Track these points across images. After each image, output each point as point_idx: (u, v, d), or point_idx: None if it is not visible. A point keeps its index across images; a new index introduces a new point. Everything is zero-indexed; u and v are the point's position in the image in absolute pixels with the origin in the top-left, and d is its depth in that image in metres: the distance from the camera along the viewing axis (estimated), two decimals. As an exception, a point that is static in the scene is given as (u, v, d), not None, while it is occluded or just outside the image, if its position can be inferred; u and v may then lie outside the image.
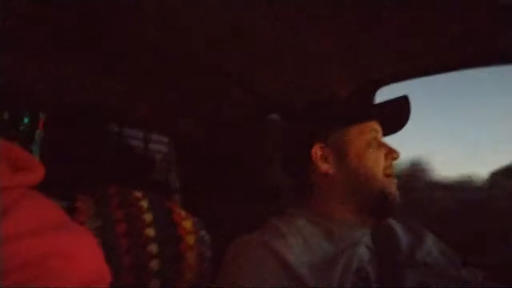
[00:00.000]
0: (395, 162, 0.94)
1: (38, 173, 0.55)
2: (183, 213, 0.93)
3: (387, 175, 0.92)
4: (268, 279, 0.76)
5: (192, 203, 1.32)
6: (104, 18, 0.83)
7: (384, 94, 1.14)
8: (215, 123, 1.42)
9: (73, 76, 1.07)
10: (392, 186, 0.91)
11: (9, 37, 0.77)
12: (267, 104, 1.24)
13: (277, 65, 1.01)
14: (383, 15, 0.82)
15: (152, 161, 1.65)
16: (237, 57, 1.01)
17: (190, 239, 0.89)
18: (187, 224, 0.91)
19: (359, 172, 0.91)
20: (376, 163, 0.91)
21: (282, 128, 1.21)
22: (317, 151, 0.95)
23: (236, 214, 1.19)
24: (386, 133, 0.98)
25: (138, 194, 0.89)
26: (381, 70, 1.05)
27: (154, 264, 0.81)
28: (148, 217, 0.85)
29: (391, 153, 0.93)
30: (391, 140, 0.97)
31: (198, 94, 1.22)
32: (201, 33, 0.90)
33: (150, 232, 0.84)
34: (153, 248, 0.82)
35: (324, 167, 0.94)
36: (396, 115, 0.98)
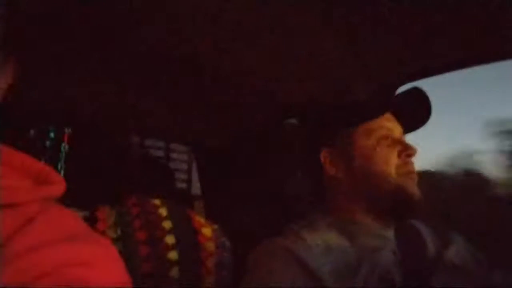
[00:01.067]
0: (413, 159, 0.89)
1: (59, 187, 0.56)
2: (203, 220, 0.93)
3: (403, 174, 0.87)
4: (290, 284, 0.75)
5: (213, 211, 1.32)
6: (122, 30, 0.85)
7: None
8: (234, 131, 1.42)
9: (95, 90, 1.09)
10: (408, 185, 0.86)
11: (29, 54, 0.80)
12: (286, 111, 1.23)
13: (294, 70, 1.01)
14: (397, 16, 0.81)
15: (173, 170, 1.67)
16: (254, 64, 1.00)
17: (210, 246, 0.89)
18: (207, 231, 0.91)
19: (368, 174, 0.88)
20: (386, 163, 0.87)
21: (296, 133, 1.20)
22: (325, 155, 0.93)
23: (257, 220, 1.18)
24: (407, 129, 0.95)
25: (157, 202, 0.90)
26: (398, 71, 1.02)
27: (174, 271, 0.81)
28: (167, 224, 0.85)
29: (406, 150, 0.88)
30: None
31: (217, 103, 1.22)
32: (219, 42, 0.90)
33: (170, 239, 0.84)
34: (173, 255, 0.82)
35: (333, 171, 0.92)
36: (409, 108, 0.93)
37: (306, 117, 1.11)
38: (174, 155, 1.79)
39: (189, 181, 1.70)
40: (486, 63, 0.97)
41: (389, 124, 0.91)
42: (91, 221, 0.81)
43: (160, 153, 1.76)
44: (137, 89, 1.11)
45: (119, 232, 0.80)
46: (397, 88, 1.06)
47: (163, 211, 0.88)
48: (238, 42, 0.90)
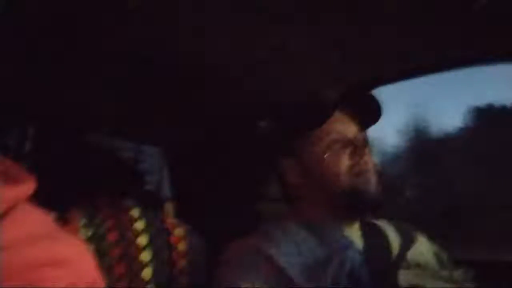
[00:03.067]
0: (365, 159, 0.90)
1: (29, 185, 0.55)
2: (175, 221, 0.94)
3: (356, 174, 0.89)
4: (262, 283, 0.76)
5: (185, 212, 1.32)
6: (90, 28, 0.84)
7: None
8: (206, 132, 1.43)
9: (62, 88, 1.07)
10: (361, 185, 0.88)
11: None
12: (257, 109, 1.24)
13: (264, 68, 1.02)
14: (372, 15, 0.83)
15: (144, 172, 1.65)
16: (226, 65, 1.01)
17: (182, 246, 0.89)
18: (180, 231, 0.91)
19: (322, 178, 0.90)
20: (337, 165, 0.89)
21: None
22: (283, 164, 0.96)
23: (229, 221, 1.19)
24: (363, 126, 0.97)
25: (129, 203, 0.89)
26: (369, 71, 1.05)
27: (146, 272, 0.81)
28: (139, 225, 0.85)
29: (357, 151, 0.90)
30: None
31: (188, 103, 1.22)
32: (190, 40, 0.91)
33: (142, 240, 0.84)
34: (145, 256, 0.82)
35: (291, 178, 0.95)
36: (360, 107, 0.95)
37: (273, 121, 1.13)
38: (144, 157, 1.76)
39: (160, 183, 1.69)
40: (458, 68, 1.03)
41: (341, 127, 0.93)
42: (62, 222, 0.80)
43: (130, 155, 1.73)
44: (107, 89, 1.10)
45: (90, 233, 0.80)
46: (367, 90, 1.09)
47: (135, 213, 0.88)
48: (210, 40, 0.90)
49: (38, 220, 0.55)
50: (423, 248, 0.95)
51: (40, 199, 0.57)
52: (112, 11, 0.79)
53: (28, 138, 1.23)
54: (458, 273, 0.91)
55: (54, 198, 0.81)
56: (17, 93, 1.07)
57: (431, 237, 1.01)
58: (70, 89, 1.07)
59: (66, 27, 0.81)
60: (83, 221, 0.81)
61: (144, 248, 0.83)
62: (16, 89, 1.04)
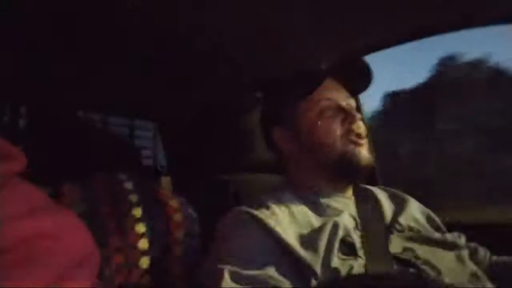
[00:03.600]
0: (357, 124, 0.91)
1: (20, 161, 0.56)
2: (169, 193, 0.94)
3: (348, 141, 0.90)
4: (257, 250, 0.77)
5: (180, 185, 1.33)
6: (82, 4, 0.82)
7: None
8: (199, 106, 1.42)
9: (56, 65, 1.06)
10: (353, 151, 0.90)
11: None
12: (249, 82, 1.24)
13: (256, 41, 1.01)
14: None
15: (139, 148, 1.65)
16: (217, 38, 1.00)
17: (178, 217, 0.90)
18: (174, 202, 0.92)
19: (313, 146, 0.91)
20: (329, 132, 0.90)
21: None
22: (276, 133, 0.97)
23: (223, 192, 1.20)
24: (353, 92, 0.97)
25: (122, 176, 0.90)
26: (358, 39, 1.05)
27: (142, 243, 0.82)
28: (133, 198, 0.86)
29: (348, 118, 0.91)
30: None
31: (181, 77, 1.22)
32: (181, 14, 0.89)
33: (137, 212, 0.84)
34: (140, 227, 0.83)
35: (284, 147, 0.96)
36: (351, 73, 0.95)
37: (265, 90, 1.13)
38: (138, 132, 1.77)
39: (154, 158, 1.69)
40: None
41: (332, 94, 0.93)
42: (56, 197, 0.80)
43: (125, 130, 1.73)
44: (99, 65, 1.09)
45: (84, 207, 0.80)
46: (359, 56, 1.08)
47: (128, 185, 0.88)
48: (201, 14, 0.89)
49: (31, 195, 0.55)
50: (415, 212, 0.96)
51: (34, 175, 0.57)
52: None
53: (21, 116, 1.23)
54: (451, 236, 0.92)
55: (49, 174, 0.82)
56: (10, 70, 1.06)
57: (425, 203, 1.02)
58: (63, 65, 1.06)
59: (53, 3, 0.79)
60: (77, 196, 0.82)
61: (139, 219, 0.84)
62: (8, 66, 1.03)
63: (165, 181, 1.47)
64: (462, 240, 0.93)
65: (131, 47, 1.00)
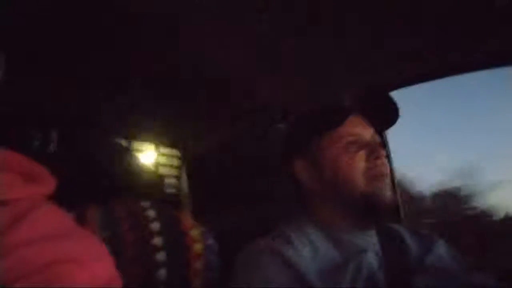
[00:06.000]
0: (381, 161, 0.89)
1: (49, 185, 0.57)
2: (191, 222, 0.94)
3: (372, 177, 0.88)
4: (278, 285, 0.76)
5: (202, 214, 1.33)
6: (113, 32, 0.86)
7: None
8: (224, 137, 1.43)
9: (85, 92, 1.10)
10: (377, 188, 0.87)
11: (17, 53, 0.80)
12: (273, 114, 1.25)
13: (280, 73, 1.03)
14: (385, 18, 0.83)
15: (163, 176, 1.67)
16: (243, 69, 1.02)
17: (198, 248, 0.89)
18: (195, 233, 0.91)
19: (337, 181, 0.89)
20: (352, 168, 0.88)
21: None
22: (298, 165, 0.95)
23: (245, 223, 1.19)
24: (379, 129, 0.96)
25: (145, 204, 0.90)
26: (382, 74, 1.05)
27: (161, 272, 0.82)
28: (155, 226, 0.86)
29: (373, 154, 0.89)
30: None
31: (206, 108, 1.24)
32: (209, 47, 0.92)
33: (158, 241, 0.84)
34: (160, 256, 0.83)
35: (306, 179, 0.94)
36: (376, 109, 0.94)
37: (290, 122, 1.13)
38: (163, 160, 1.79)
39: (178, 186, 1.71)
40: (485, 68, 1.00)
41: (357, 129, 0.92)
42: (80, 222, 0.81)
43: (150, 157, 1.76)
44: (128, 93, 1.12)
45: (107, 233, 0.81)
46: (386, 92, 1.08)
47: (151, 213, 0.88)
48: (227, 46, 0.91)
49: (58, 218, 0.56)
50: (442, 252, 0.93)
51: (60, 198, 0.59)
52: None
53: (52, 140, 1.27)
54: (478, 277, 0.88)
55: (74, 198, 0.83)
56: (42, 95, 1.10)
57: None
58: (92, 91, 1.10)
59: (84, 31, 0.83)
60: (100, 221, 0.83)
61: (159, 248, 0.83)
62: (41, 92, 1.07)
63: (186, 208, 1.48)
64: (490, 280, 0.89)
65: (159, 78, 1.03)
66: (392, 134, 1.08)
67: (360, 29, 0.87)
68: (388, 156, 0.95)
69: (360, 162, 0.89)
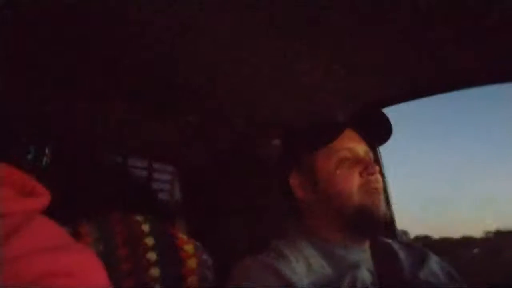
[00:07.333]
0: (375, 177, 0.90)
1: (44, 199, 0.57)
2: (184, 237, 0.94)
3: (365, 192, 0.88)
4: None
5: (195, 229, 1.33)
6: (106, 46, 0.86)
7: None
8: (217, 151, 1.44)
9: (79, 107, 1.10)
10: (370, 203, 0.88)
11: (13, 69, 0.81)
12: (266, 131, 1.26)
13: (275, 92, 1.04)
14: (376, 38, 0.85)
15: (156, 190, 1.67)
16: (237, 86, 1.03)
17: (192, 263, 0.89)
18: (189, 247, 0.91)
19: (331, 195, 0.90)
20: (347, 183, 0.89)
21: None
22: (293, 179, 0.96)
23: (239, 238, 1.19)
24: (372, 144, 0.97)
25: (139, 218, 0.90)
26: (376, 93, 1.06)
27: (156, 287, 0.82)
28: (149, 241, 0.86)
29: (367, 169, 0.90)
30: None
31: (200, 122, 1.24)
32: (203, 63, 0.93)
33: (152, 256, 0.84)
34: (154, 271, 0.83)
35: (301, 194, 0.95)
36: (371, 125, 0.95)
37: (285, 138, 1.13)
38: (156, 175, 1.79)
39: (171, 201, 1.70)
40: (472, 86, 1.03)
41: (351, 144, 0.93)
42: (74, 236, 0.81)
43: (143, 173, 1.75)
44: (121, 108, 1.13)
45: (101, 247, 0.80)
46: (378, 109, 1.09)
47: (145, 228, 0.88)
48: (223, 63, 0.92)
49: (53, 231, 0.56)
50: (435, 267, 0.93)
51: (54, 212, 0.59)
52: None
53: (46, 154, 1.26)
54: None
55: (68, 212, 0.83)
56: (36, 110, 1.10)
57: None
58: (85, 106, 1.10)
59: (75, 47, 0.84)
60: (94, 235, 0.82)
61: (153, 263, 0.83)
62: (34, 106, 1.08)
63: (179, 223, 1.47)
64: None
65: (153, 92, 1.04)
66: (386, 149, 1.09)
67: (357, 47, 0.89)
68: (381, 172, 0.96)
69: (354, 177, 0.89)
